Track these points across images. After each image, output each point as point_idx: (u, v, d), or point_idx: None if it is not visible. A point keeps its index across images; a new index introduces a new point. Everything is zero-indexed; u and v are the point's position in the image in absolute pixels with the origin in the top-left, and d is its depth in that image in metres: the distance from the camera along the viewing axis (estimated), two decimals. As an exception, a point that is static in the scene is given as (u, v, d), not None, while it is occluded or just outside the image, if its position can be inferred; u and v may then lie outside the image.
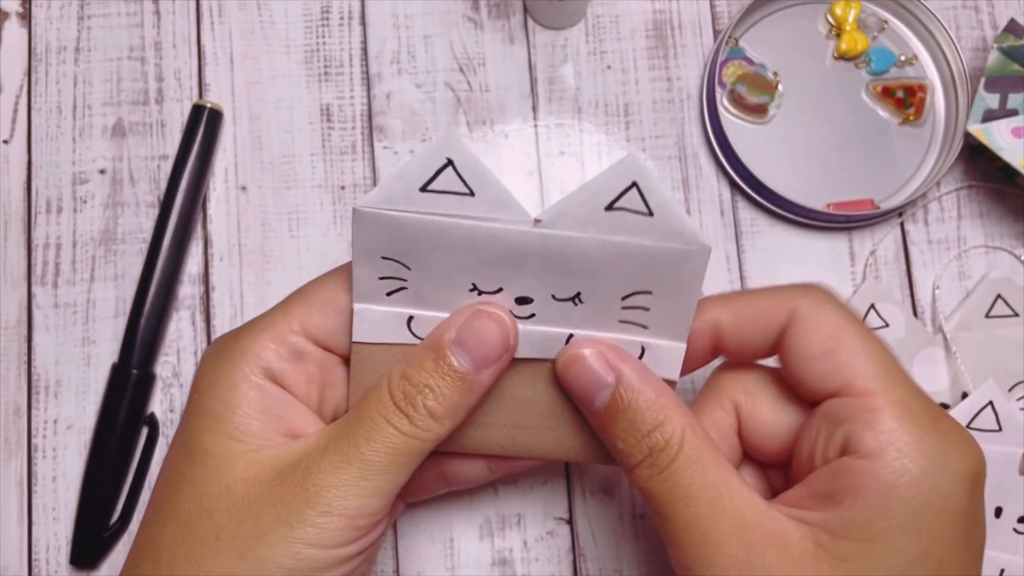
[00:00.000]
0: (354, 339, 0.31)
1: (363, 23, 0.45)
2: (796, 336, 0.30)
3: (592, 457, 0.33)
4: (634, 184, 0.28)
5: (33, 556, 0.41)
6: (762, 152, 0.44)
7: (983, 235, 0.44)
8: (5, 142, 0.44)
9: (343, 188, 0.44)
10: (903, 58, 0.45)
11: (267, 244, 0.43)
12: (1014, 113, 0.42)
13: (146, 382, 0.41)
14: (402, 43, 0.45)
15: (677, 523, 0.28)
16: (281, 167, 0.44)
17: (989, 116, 0.42)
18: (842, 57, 0.45)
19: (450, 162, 0.28)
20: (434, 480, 0.36)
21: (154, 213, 0.43)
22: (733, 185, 0.44)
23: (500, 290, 0.30)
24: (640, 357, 0.31)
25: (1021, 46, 0.43)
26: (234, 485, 0.29)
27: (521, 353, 0.32)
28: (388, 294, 0.31)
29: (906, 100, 0.45)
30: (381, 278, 0.31)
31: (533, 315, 0.31)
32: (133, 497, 0.41)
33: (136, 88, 0.45)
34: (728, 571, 0.27)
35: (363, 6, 0.46)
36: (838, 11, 0.45)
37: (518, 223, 0.29)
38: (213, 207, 0.44)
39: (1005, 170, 0.44)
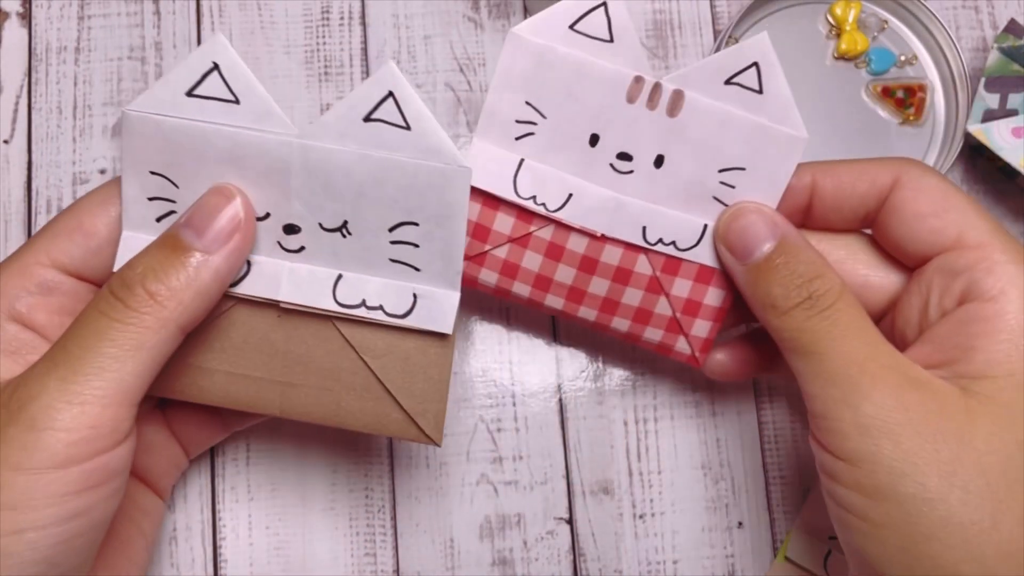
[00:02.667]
0: (116, 269, 0.29)
1: (363, 23, 0.46)
2: (904, 199, 0.31)
3: (371, 426, 0.32)
4: (390, 94, 0.28)
5: (33, 556, 0.41)
6: (762, 152, 0.44)
7: (983, 235, 0.44)
8: (5, 142, 0.44)
9: (343, 188, 0.44)
10: (903, 58, 0.45)
11: (267, 244, 0.43)
12: (1014, 113, 0.42)
13: (146, 382, 0.41)
14: (402, 43, 0.45)
15: (833, 359, 0.29)
16: (281, 167, 0.44)
17: (989, 116, 0.42)
18: (842, 57, 0.45)
19: (216, 67, 0.28)
20: (217, 425, 0.37)
21: (154, 213, 0.43)
22: (733, 185, 0.44)
23: (268, 216, 0.30)
24: (412, 308, 0.31)
25: (1021, 46, 0.43)
26: None
27: (288, 297, 0.30)
28: (158, 219, 0.30)
29: (906, 100, 0.45)
30: (150, 199, 0.29)
31: (303, 248, 0.30)
32: (133, 497, 0.41)
33: (136, 88, 0.45)
34: (882, 409, 0.27)
35: (363, 6, 0.46)
36: (838, 11, 0.45)
37: (280, 134, 0.29)
38: (213, 207, 0.44)
39: (1005, 170, 0.44)
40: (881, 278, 0.33)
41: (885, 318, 0.34)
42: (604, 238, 0.34)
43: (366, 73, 0.45)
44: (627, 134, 0.32)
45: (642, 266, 0.34)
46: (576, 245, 0.34)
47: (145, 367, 0.27)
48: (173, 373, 0.31)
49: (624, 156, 0.32)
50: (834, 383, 0.29)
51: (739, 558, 0.41)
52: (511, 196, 0.33)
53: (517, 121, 0.32)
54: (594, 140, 0.32)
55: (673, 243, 0.34)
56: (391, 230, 0.30)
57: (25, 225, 0.43)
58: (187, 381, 0.32)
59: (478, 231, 0.34)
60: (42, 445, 0.25)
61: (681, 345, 0.36)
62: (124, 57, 0.45)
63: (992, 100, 0.42)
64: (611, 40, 0.31)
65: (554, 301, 0.35)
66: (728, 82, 0.31)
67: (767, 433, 0.42)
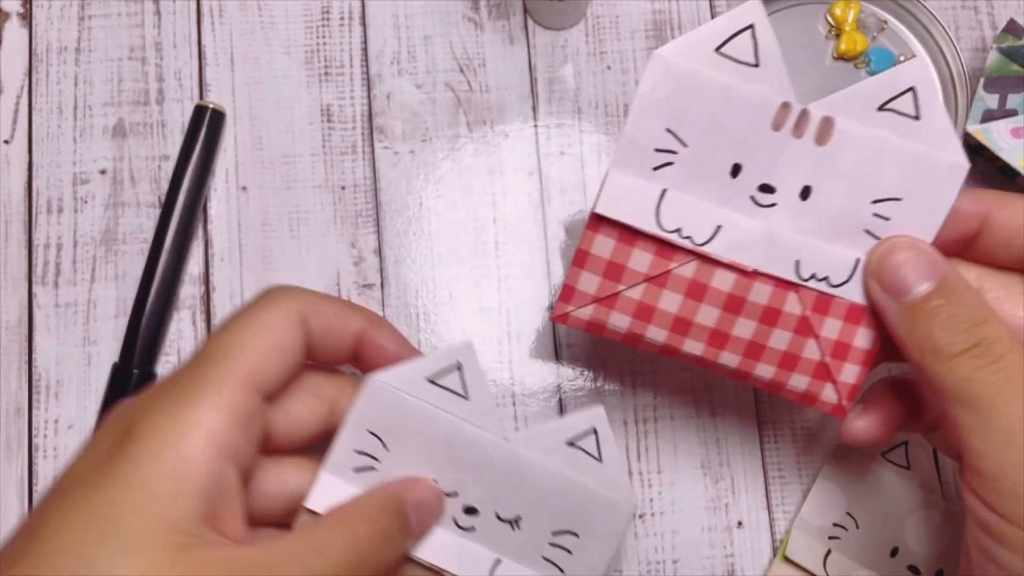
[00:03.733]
0: (308, 504, 0.31)
1: (363, 23, 0.46)
2: None
3: None
4: (594, 431, 0.32)
5: (34, 556, 0.41)
6: (762, 152, 0.44)
7: (982, 235, 0.44)
8: (6, 142, 0.44)
9: (343, 188, 0.44)
10: (902, 58, 0.45)
11: (268, 244, 0.43)
12: (1013, 113, 0.42)
13: (147, 382, 0.41)
14: (402, 43, 0.45)
15: (1009, 416, 0.27)
16: (281, 167, 0.44)
17: (988, 116, 0.42)
18: (841, 57, 0.45)
19: (459, 366, 0.32)
20: None
21: (154, 213, 0.43)
22: (733, 185, 0.44)
23: (456, 494, 0.33)
24: None
25: (1020, 46, 0.43)
26: None
27: (447, 565, 0.34)
28: (356, 470, 0.33)
29: (906, 100, 0.45)
30: (358, 451, 0.33)
31: (474, 528, 0.34)
32: (134, 497, 0.41)
33: (137, 88, 0.45)
34: None
35: (363, 6, 0.46)
36: (837, 12, 0.45)
37: (494, 433, 0.32)
38: (214, 207, 0.44)
39: (1004, 170, 0.44)
40: None
41: None
42: (755, 274, 0.31)
43: (366, 73, 0.45)
44: (771, 164, 0.30)
45: (792, 305, 0.31)
46: (722, 283, 0.31)
47: None
48: None
49: (767, 188, 0.30)
50: (1011, 443, 0.26)
51: (739, 558, 0.41)
52: (653, 229, 0.30)
53: (656, 150, 0.30)
54: (736, 171, 0.30)
55: (826, 279, 0.31)
56: (555, 534, 0.34)
57: (25, 225, 0.43)
58: None
59: (610, 270, 0.31)
60: None
61: (828, 394, 0.32)
62: (124, 57, 0.45)
63: (991, 100, 0.42)
64: (757, 64, 0.29)
65: (693, 346, 0.32)
66: (882, 108, 0.29)
67: (767, 433, 0.42)
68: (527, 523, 0.34)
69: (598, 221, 0.30)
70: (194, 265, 0.43)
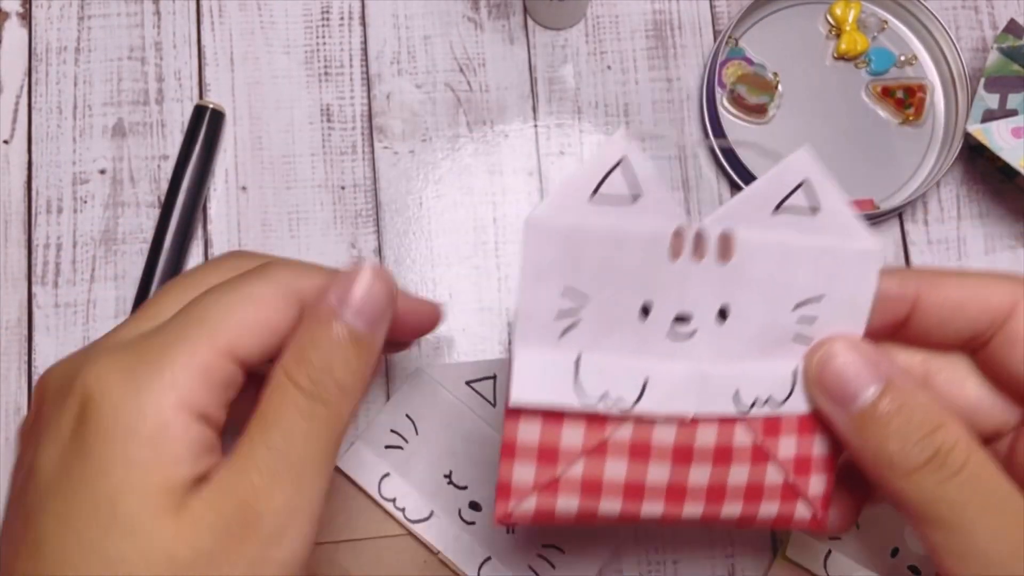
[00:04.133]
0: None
1: (363, 23, 0.46)
2: None
3: None
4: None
5: (33, 556, 0.41)
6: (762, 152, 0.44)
7: (983, 235, 0.44)
8: (5, 142, 0.44)
9: (343, 188, 0.44)
10: (903, 58, 0.45)
11: (267, 244, 0.43)
12: (1014, 113, 0.42)
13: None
14: (402, 43, 0.45)
15: (983, 536, 0.25)
16: (281, 167, 0.44)
17: (989, 116, 0.42)
18: (842, 57, 0.45)
19: (494, 377, 0.32)
20: None
21: (154, 213, 0.43)
22: (733, 185, 0.44)
23: (466, 488, 0.32)
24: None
25: (1021, 46, 0.43)
26: (179, 551, 0.24)
27: (446, 551, 0.33)
28: (385, 447, 0.33)
29: (906, 100, 0.45)
30: (392, 431, 0.34)
31: (474, 523, 0.32)
32: (133, 497, 0.41)
33: (136, 88, 0.45)
34: None
35: (363, 6, 0.46)
36: (838, 11, 0.45)
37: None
38: (213, 207, 0.44)
39: (1005, 170, 0.44)
40: (992, 406, 0.29)
41: (994, 445, 0.30)
42: (695, 421, 0.28)
43: (366, 73, 0.45)
44: (680, 294, 0.27)
45: (741, 438, 0.29)
46: (664, 437, 0.28)
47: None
48: None
49: (682, 319, 0.28)
50: (990, 566, 0.25)
51: (739, 558, 0.41)
52: (578, 403, 0.27)
53: (557, 317, 0.27)
54: (645, 311, 0.27)
55: (769, 400, 0.29)
56: (543, 546, 0.33)
57: (25, 225, 0.43)
58: None
59: (543, 455, 0.28)
60: (294, 563, 0.26)
61: (801, 512, 0.30)
62: (124, 57, 0.45)
63: (992, 100, 0.42)
64: (639, 196, 0.26)
65: (652, 508, 0.29)
66: (778, 209, 0.27)
67: (767, 433, 0.42)
68: (521, 530, 0.34)
69: (516, 409, 0.27)
70: (194, 265, 0.43)
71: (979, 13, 0.46)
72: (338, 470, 0.40)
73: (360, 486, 0.39)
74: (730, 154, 0.43)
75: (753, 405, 0.28)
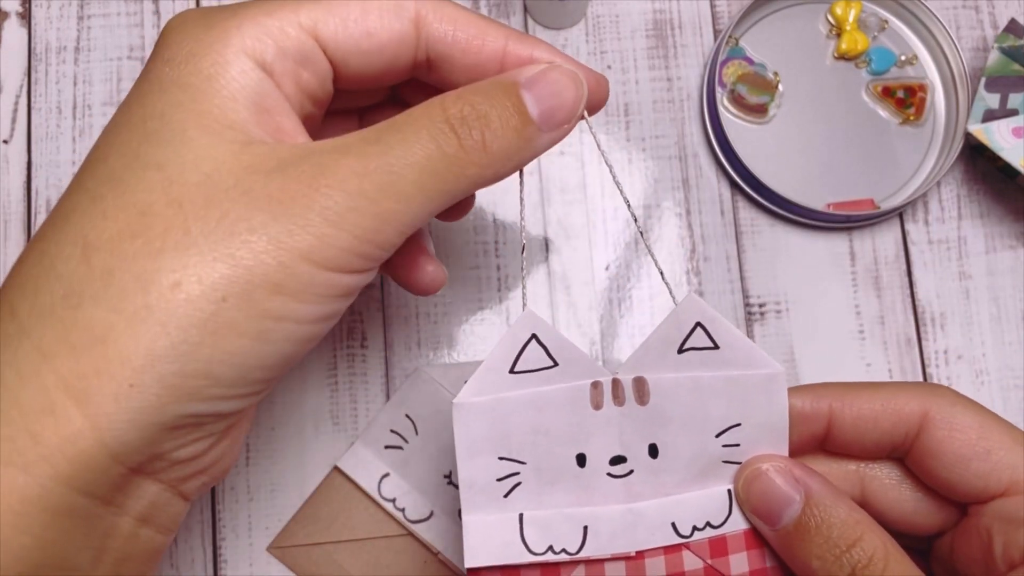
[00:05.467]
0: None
1: (363, 23, 0.45)
2: (940, 439, 0.28)
3: None
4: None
5: (33, 556, 0.41)
6: (762, 152, 0.44)
7: (983, 235, 0.44)
8: (5, 142, 0.44)
9: (343, 188, 0.44)
10: (903, 58, 0.45)
11: (267, 244, 0.43)
12: (1014, 113, 0.42)
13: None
14: (402, 43, 0.45)
15: None
16: (281, 167, 0.44)
17: (989, 116, 0.42)
18: (842, 57, 0.45)
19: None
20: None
21: (154, 213, 0.43)
22: (733, 185, 0.44)
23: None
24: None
25: (1021, 46, 0.43)
26: (218, 174, 0.23)
27: (446, 551, 0.34)
28: (385, 447, 0.35)
29: (906, 100, 0.45)
30: (392, 430, 0.36)
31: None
32: (133, 497, 0.41)
33: (136, 88, 0.45)
34: None
35: (363, 6, 0.46)
36: (838, 11, 0.45)
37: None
38: (213, 207, 0.44)
39: (1005, 170, 0.44)
40: (929, 506, 0.30)
41: (938, 549, 0.31)
42: (640, 555, 0.30)
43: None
44: (611, 439, 0.30)
45: (691, 562, 0.30)
46: (616, 573, 0.30)
47: (442, 209, 0.26)
48: None
49: (617, 460, 0.30)
50: None
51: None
52: (527, 558, 0.30)
53: (498, 479, 0.30)
54: (581, 460, 0.30)
55: (708, 524, 0.30)
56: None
57: (25, 225, 0.43)
58: None
59: None
60: (338, 243, 0.24)
61: None
62: (124, 57, 0.45)
63: (992, 100, 0.42)
64: (556, 364, 0.29)
65: None
66: (682, 350, 0.29)
67: (767, 433, 0.42)
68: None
69: (474, 571, 0.30)
70: None
71: (980, 13, 0.46)
72: (337, 470, 0.40)
73: (360, 486, 0.39)
74: (730, 153, 0.43)
75: (694, 532, 0.30)
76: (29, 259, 0.24)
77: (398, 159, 0.24)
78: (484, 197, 0.44)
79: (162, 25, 0.45)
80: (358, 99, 0.32)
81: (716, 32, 0.46)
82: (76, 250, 0.23)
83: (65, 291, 0.23)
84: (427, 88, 0.30)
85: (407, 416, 0.39)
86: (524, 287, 0.30)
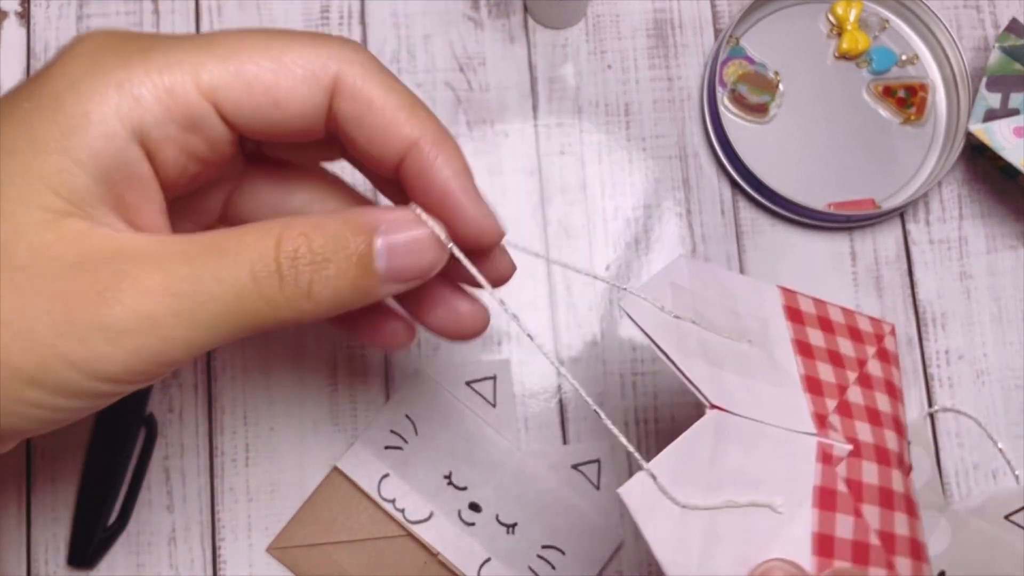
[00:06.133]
0: (338, 463, 0.35)
1: (363, 23, 0.45)
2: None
3: None
4: (598, 461, 0.37)
5: (32, 556, 0.41)
6: (763, 152, 0.44)
7: (984, 235, 0.44)
8: (4, 142, 0.44)
9: (343, 188, 0.44)
10: (904, 58, 0.45)
11: (266, 244, 0.43)
12: (1015, 112, 0.42)
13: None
14: (402, 43, 0.45)
15: None
16: (281, 167, 0.44)
17: (990, 116, 0.42)
18: (843, 57, 0.45)
19: (495, 377, 0.40)
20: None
21: (153, 213, 0.43)
22: (734, 185, 0.44)
23: (465, 488, 0.37)
24: None
25: (1022, 45, 0.43)
26: (13, 244, 0.21)
27: (444, 550, 0.37)
28: (385, 448, 0.38)
29: (907, 100, 0.45)
30: (391, 431, 0.38)
31: (474, 523, 0.37)
32: (131, 497, 0.40)
33: (135, 88, 0.45)
34: None
35: (363, 6, 0.45)
36: (839, 10, 0.45)
37: (511, 442, 0.37)
38: (212, 207, 0.44)
39: (1006, 170, 0.44)
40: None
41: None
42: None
43: (366, 72, 0.45)
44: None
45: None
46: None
47: (232, 340, 0.23)
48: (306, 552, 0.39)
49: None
50: None
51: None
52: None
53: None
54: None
55: None
56: (544, 548, 0.37)
57: (23, 225, 0.43)
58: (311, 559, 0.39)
59: None
60: (114, 357, 0.22)
61: None
62: (123, 56, 0.45)
63: (993, 99, 0.42)
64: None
65: None
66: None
67: (768, 434, 0.42)
68: (521, 531, 0.37)
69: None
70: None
71: (981, 12, 0.46)
72: (337, 471, 0.40)
73: (359, 487, 0.39)
74: (731, 153, 0.43)
75: None
76: None
77: (207, 288, 0.22)
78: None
79: (161, 25, 0.45)
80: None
81: (717, 31, 0.46)
82: None
83: None
84: None
85: (407, 416, 0.39)
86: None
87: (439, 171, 0.25)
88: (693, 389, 0.27)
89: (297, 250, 0.23)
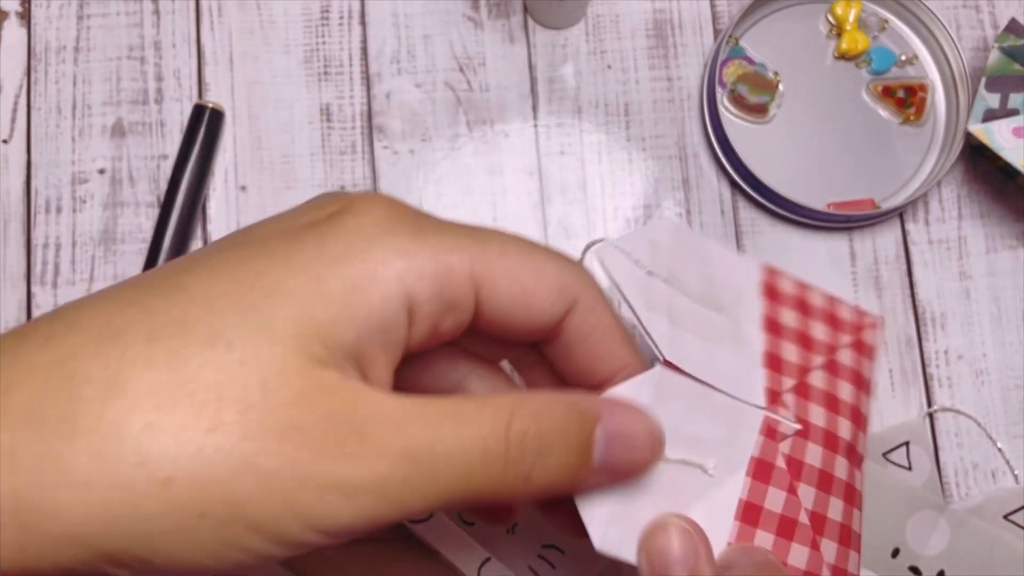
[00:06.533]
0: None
1: (363, 23, 0.45)
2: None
3: None
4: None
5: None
6: (762, 152, 0.44)
7: (984, 235, 0.44)
8: (4, 142, 0.44)
9: (343, 188, 0.44)
10: (904, 58, 0.45)
11: (267, 244, 0.43)
12: (1015, 113, 0.42)
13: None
14: (402, 43, 0.45)
15: None
16: (281, 167, 0.44)
17: (990, 116, 0.42)
18: (842, 57, 0.45)
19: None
20: None
21: (153, 213, 0.43)
22: (733, 185, 0.44)
23: None
24: None
25: (1022, 45, 0.43)
26: (273, 384, 0.21)
27: (446, 552, 0.36)
28: None
29: (907, 100, 0.45)
30: None
31: (473, 523, 0.36)
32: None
33: (135, 88, 0.45)
34: None
35: (363, 6, 0.46)
36: (838, 11, 0.45)
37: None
38: (213, 207, 0.44)
39: (1006, 170, 0.44)
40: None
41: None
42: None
43: (365, 73, 0.45)
44: None
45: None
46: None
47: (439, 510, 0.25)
48: None
49: None
50: None
51: (739, 558, 0.41)
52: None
53: None
54: None
55: None
56: (544, 547, 0.36)
57: (24, 225, 0.43)
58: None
59: None
60: (324, 510, 0.22)
61: None
62: (123, 56, 0.45)
63: (993, 100, 0.42)
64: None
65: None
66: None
67: (767, 433, 0.42)
68: (521, 530, 0.36)
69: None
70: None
71: (980, 12, 0.46)
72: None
73: None
74: (731, 153, 0.43)
75: None
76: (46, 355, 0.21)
77: (442, 459, 0.22)
78: (483, 197, 0.44)
79: (161, 25, 0.45)
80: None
81: (716, 32, 0.46)
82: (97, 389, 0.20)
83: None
84: None
85: None
86: None
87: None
88: (651, 343, 0.27)
89: (526, 433, 0.22)
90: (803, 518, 0.27)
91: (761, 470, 0.27)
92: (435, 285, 0.23)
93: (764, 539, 0.27)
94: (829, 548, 0.28)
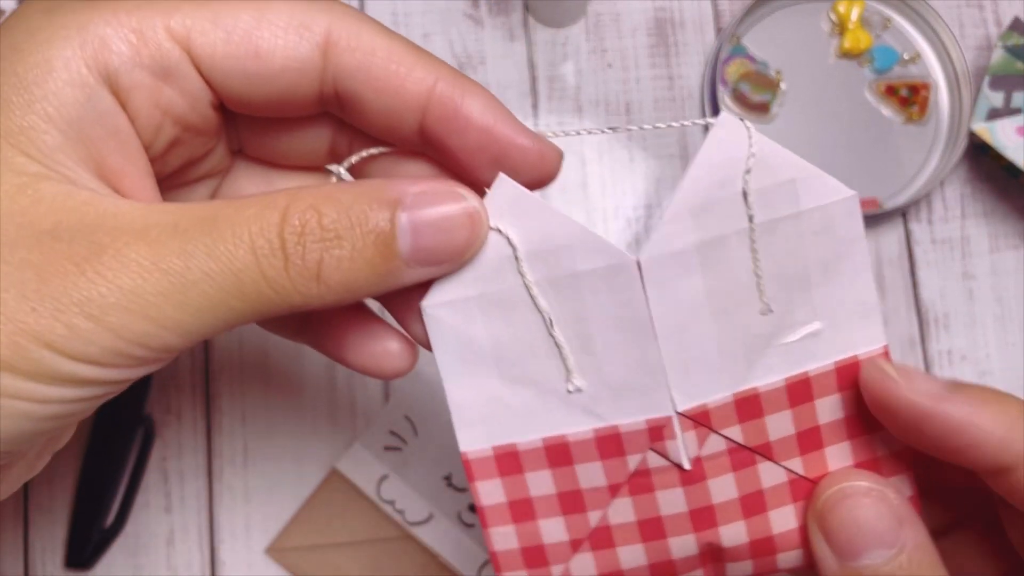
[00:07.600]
0: (337, 464, 0.29)
1: (362, 21, 0.45)
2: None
3: None
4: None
5: (29, 558, 0.40)
6: (764, 151, 0.44)
7: (987, 234, 0.44)
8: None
9: (342, 187, 0.44)
10: (906, 56, 0.45)
11: (265, 243, 0.43)
12: (1018, 111, 0.42)
13: (142, 382, 0.41)
14: (401, 41, 0.45)
15: None
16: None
17: (993, 115, 0.42)
18: (845, 55, 0.45)
19: None
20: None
21: None
22: (735, 184, 0.44)
23: (465, 490, 0.36)
24: None
25: (1025, 44, 0.42)
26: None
27: (445, 554, 0.35)
28: (384, 448, 0.38)
29: (909, 99, 0.44)
30: (391, 432, 0.38)
31: (473, 525, 0.34)
32: (129, 499, 0.40)
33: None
34: None
35: (362, 4, 0.45)
36: (841, 9, 0.45)
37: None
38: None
39: (1009, 169, 0.44)
40: None
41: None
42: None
43: (365, 71, 0.45)
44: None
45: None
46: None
47: (233, 327, 0.21)
48: None
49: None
50: None
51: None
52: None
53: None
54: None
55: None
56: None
57: (21, 224, 0.43)
58: None
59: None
60: (92, 339, 0.19)
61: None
62: (121, 55, 0.45)
63: (996, 98, 0.42)
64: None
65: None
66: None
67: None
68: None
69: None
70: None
71: (983, 11, 0.46)
72: (336, 472, 0.40)
73: (359, 488, 0.39)
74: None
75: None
76: None
77: (199, 265, 0.19)
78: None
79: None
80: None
81: (718, 30, 0.45)
82: None
83: None
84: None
85: (406, 417, 0.39)
86: None
87: (470, 107, 0.22)
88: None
89: (305, 225, 0.20)
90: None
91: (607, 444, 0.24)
92: (127, 50, 0.20)
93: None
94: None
